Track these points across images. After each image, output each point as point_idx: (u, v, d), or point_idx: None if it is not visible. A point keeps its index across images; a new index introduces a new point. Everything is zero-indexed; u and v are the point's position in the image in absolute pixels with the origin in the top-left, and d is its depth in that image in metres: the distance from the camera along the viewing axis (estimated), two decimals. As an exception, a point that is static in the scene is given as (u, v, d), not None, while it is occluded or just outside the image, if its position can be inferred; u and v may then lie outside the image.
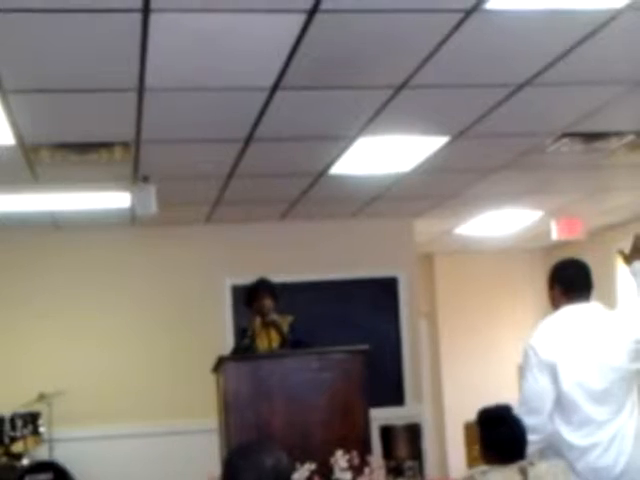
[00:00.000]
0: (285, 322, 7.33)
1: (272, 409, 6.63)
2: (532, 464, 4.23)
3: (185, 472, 8.90)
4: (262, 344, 7.28)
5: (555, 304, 4.73)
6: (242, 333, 7.50)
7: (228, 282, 9.54)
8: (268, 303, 7.25)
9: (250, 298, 7.39)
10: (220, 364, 6.83)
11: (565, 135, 6.78)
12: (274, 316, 7.25)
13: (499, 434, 4.29)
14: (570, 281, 4.70)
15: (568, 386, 4.47)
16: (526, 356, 4.60)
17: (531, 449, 4.42)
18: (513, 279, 13.19)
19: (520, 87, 5.50)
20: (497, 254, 12.94)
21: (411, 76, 5.17)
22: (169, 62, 4.76)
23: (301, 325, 7.43)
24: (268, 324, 7.27)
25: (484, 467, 4.29)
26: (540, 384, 4.51)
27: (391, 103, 5.66)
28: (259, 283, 7.39)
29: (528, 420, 4.43)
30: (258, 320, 7.29)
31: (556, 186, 8.76)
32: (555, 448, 4.53)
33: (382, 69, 5.08)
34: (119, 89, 5.15)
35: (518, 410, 4.50)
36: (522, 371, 4.63)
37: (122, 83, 5.04)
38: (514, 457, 4.23)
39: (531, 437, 4.40)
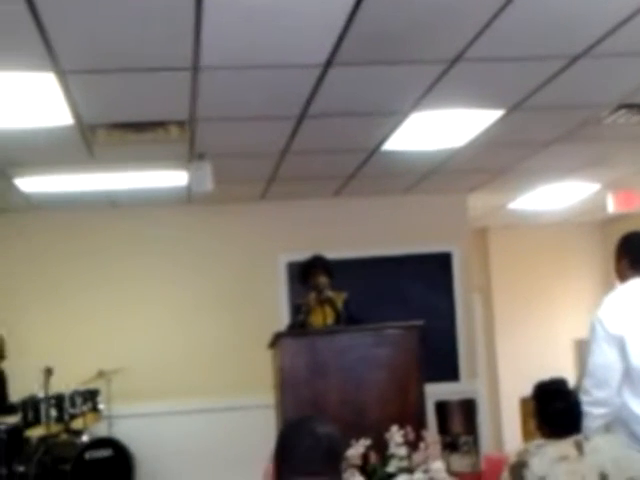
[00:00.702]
0: (340, 298, 7.36)
1: (327, 385, 6.67)
2: (587, 438, 4.21)
3: (243, 448, 9.00)
4: (317, 320, 7.32)
5: (622, 277, 4.68)
6: (297, 309, 7.55)
7: (283, 259, 9.59)
8: (323, 280, 7.29)
9: (305, 275, 7.42)
10: (276, 340, 6.87)
11: (622, 106, 6.69)
12: (329, 293, 7.28)
13: (554, 408, 4.28)
14: (638, 253, 4.65)
15: (637, 359, 4.43)
16: (593, 329, 4.53)
17: (599, 422, 4.41)
18: (568, 253, 13.08)
19: (576, 58, 5.44)
20: (552, 228, 12.84)
21: (465, 49, 5.13)
22: (223, 40, 4.77)
23: (356, 301, 7.45)
24: (323, 301, 7.30)
25: (540, 441, 4.29)
26: (608, 357, 4.46)
27: (445, 77, 5.63)
28: (314, 260, 7.42)
29: (597, 393, 4.40)
30: (313, 296, 7.32)
31: (613, 159, 8.66)
32: (623, 421, 4.50)
33: (436, 43, 5.05)
34: (174, 68, 5.18)
35: (586, 383, 4.47)
36: (589, 345, 4.57)
37: (177, 62, 5.07)
38: (569, 431, 4.22)
39: (600, 410, 4.38)
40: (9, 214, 9.33)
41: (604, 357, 4.46)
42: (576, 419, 4.27)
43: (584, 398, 4.42)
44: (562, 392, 4.35)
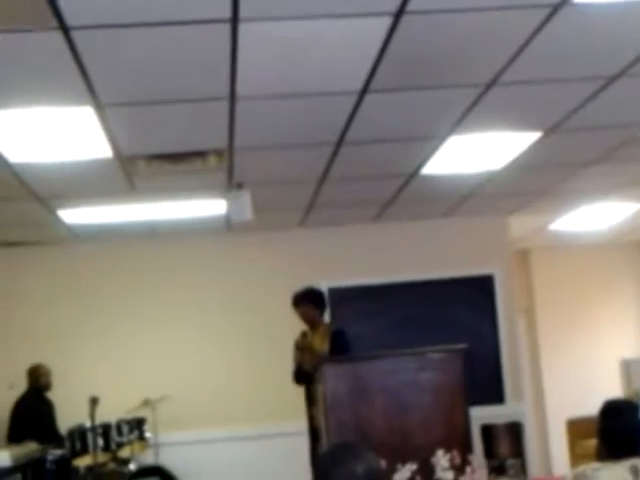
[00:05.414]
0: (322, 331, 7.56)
1: (371, 410, 6.65)
2: None
3: (289, 474, 8.97)
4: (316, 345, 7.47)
5: None
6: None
7: (324, 285, 9.59)
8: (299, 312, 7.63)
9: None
10: (318, 365, 6.88)
11: (660, 125, 6.66)
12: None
13: (611, 426, 4.22)
14: None
15: None
16: None
17: None
18: (611, 273, 12.98)
19: (612, 79, 5.43)
20: (595, 248, 12.74)
21: (501, 72, 5.14)
22: (259, 70, 4.82)
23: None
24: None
25: (597, 464, 4.22)
26: None
27: (482, 100, 5.64)
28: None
29: None
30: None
31: (653, 178, 8.60)
32: None
33: (471, 67, 5.06)
34: (211, 98, 5.24)
35: None
36: None
37: (214, 92, 5.13)
38: (625, 452, 4.14)
39: None
40: (53, 246, 9.44)
41: None
42: (633, 441, 4.19)
43: None
44: (622, 411, 4.28)
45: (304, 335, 7.64)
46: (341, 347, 7.32)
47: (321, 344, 7.46)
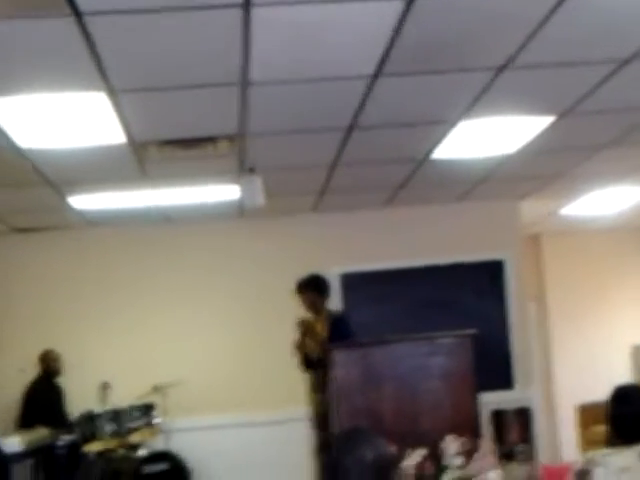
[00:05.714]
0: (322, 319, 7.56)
1: (381, 396, 6.68)
2: None
3: (299, 459, 8.98)
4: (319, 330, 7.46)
5: None
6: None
7: (336, 270, 9.59)
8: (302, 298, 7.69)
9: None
10: (329, 352, 6.89)
11: (675, 109, 6.62)
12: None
13: (621, 412, 4.23)
14: None
15: None
16: None
17: None
18: (623, 258, 12.94)
19: (626, 61, 5.39)
20: (606, 233, 12.70)
21: (514, 56, 5.11)
22: (271, 55, 4.80)
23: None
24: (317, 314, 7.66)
25: (607, 450, 4.23)
26: None
27: (494, 84, 5.62)
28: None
29: None
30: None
31: (666, 162, 8.56)
32: None
33: (484, 50, 5.03)
34: (223, 84, 5.22)
35: None
36: None
37: (225, 78, 5.11)
38: (634, 438, 4.15)
39: None
40: (64, 232, 9.46)
41: None
42: None
43: None
44: (632, 397, 4.28)
45: (303, 322, 7.63)
46: (340, 334, 7.31)
47: (323, 331, 7.47)
